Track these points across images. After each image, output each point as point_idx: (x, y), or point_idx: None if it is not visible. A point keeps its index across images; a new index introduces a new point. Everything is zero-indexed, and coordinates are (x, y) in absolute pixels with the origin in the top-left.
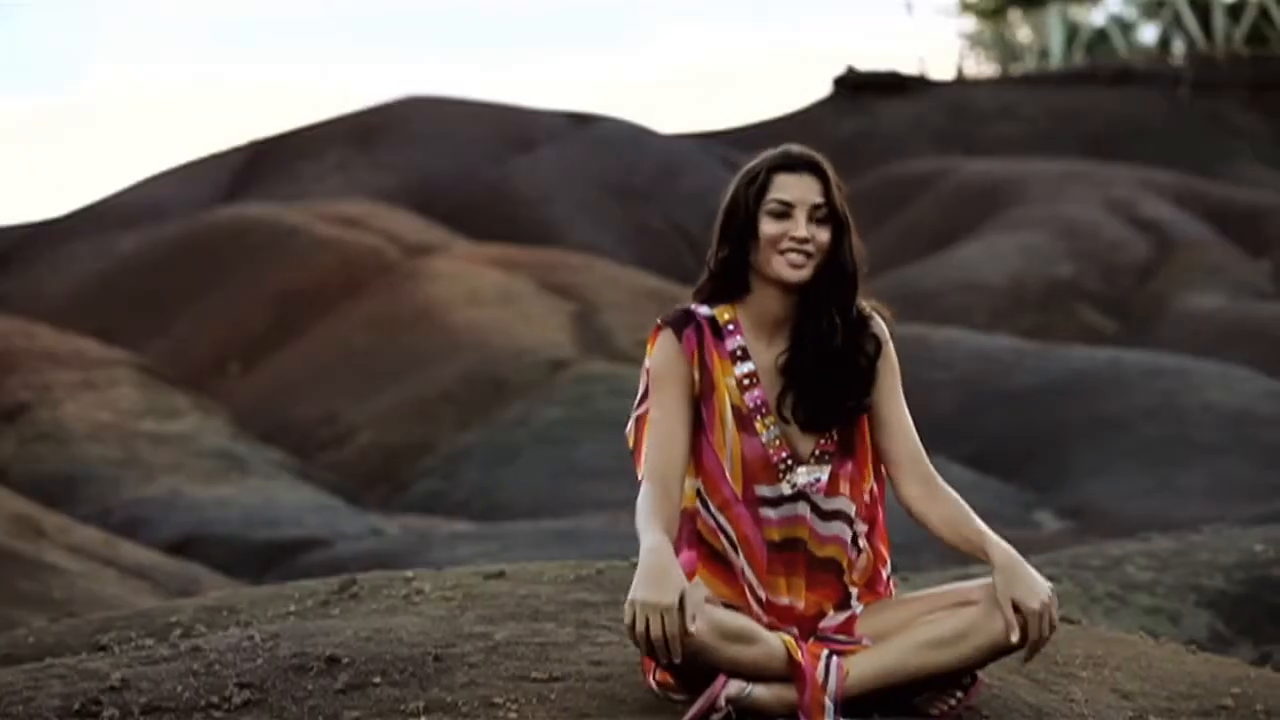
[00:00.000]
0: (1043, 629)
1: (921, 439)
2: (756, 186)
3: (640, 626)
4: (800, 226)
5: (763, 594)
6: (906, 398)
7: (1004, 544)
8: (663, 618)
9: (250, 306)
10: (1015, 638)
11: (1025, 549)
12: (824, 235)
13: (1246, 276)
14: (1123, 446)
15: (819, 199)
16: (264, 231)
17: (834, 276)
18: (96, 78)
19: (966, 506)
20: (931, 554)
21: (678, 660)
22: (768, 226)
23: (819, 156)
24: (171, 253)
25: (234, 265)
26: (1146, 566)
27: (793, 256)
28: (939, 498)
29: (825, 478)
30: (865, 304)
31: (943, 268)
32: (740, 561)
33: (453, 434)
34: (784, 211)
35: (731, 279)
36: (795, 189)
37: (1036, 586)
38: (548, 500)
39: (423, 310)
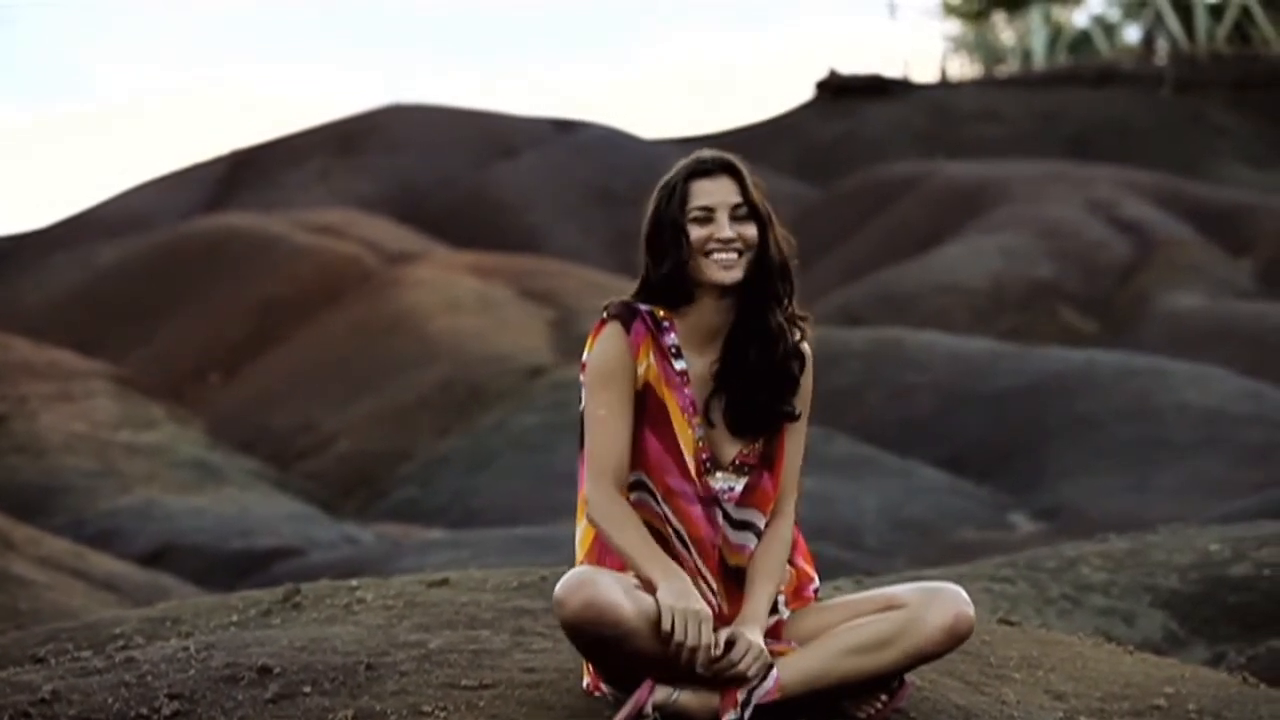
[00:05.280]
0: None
1: (898, 441)
2: (677, 198)
3: (680, 633)
4: (724, 228)
5: (718, 598)
6: (883, 400)
7: (756, 614)
8: (700, 627)
9: (230, 316)
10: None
11: (998, 551)
12: (750, 231)
13: (1228, 276)
14: (1098, 447)
15: (737, 198)
16: (244, 241)
17: (766, 272)
18: (80, 88)
19: (777, 561)
20: (905, 557)
21: (702, 669)
22: (693, 232)
23: (732, 157)
24: (152, 263)
25: (214, 275)
26: (1101, 567)
27: (721, 257)
28: (768, 536)
29: (740, 488)
30: (807, 322)
31: (924, 270)
32: (693, 560)
33: (430, 441)
34: (706, 217)
35: (671, 291)
36: (713, 193)
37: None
38: (525, 506)
39: (401, 318)
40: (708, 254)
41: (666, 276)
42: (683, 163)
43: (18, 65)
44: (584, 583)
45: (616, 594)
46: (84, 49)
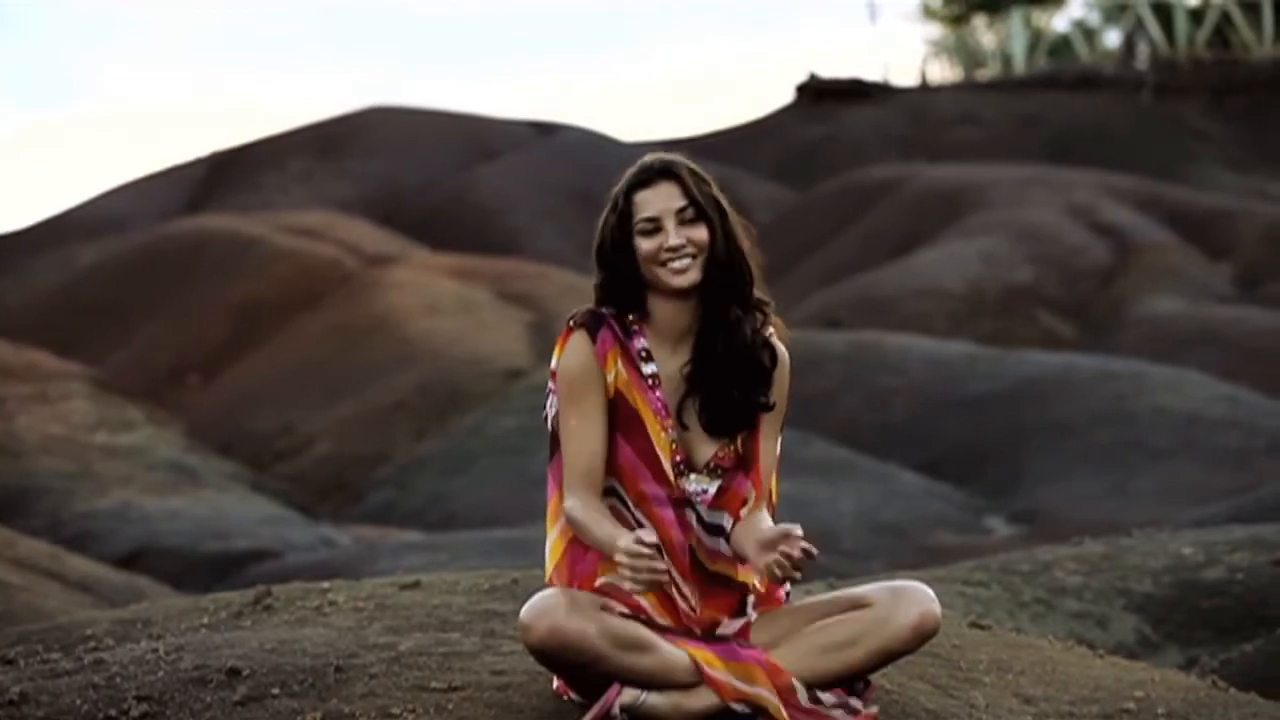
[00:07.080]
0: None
1: (876, 445)
2: (619, 213)
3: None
4: (671, 236)
5: (693, 600)
6: (861, 404)
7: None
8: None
9: (210, 318)
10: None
11: (975, 555)
12: (700, 234)
13: (1206, 280)
14: (1075, 451)
15: (682, 202)
16: (223, 243)
17: (721, 268)
18: (81, 92)
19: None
20: (881, 560)
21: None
22: (643, 245)
23: (673, 159)
24: (131, 264)
25: (193, 277)
26: (1075, 571)
27: (675, 264)
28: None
29: (713, 491)
30: (769, 307)
31: (903, 274)
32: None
33: (408, 444)
34: (654, 228)
35: (628, 301)
36: (656, 202)
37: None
38: (502, 509)
39: (380, 320)
40: (662, 264)
41: (620, 290)
42: (627, 173)
43: (18, 68)
44: (548, 609)
45: (581, 619)
46: (85, 53)
